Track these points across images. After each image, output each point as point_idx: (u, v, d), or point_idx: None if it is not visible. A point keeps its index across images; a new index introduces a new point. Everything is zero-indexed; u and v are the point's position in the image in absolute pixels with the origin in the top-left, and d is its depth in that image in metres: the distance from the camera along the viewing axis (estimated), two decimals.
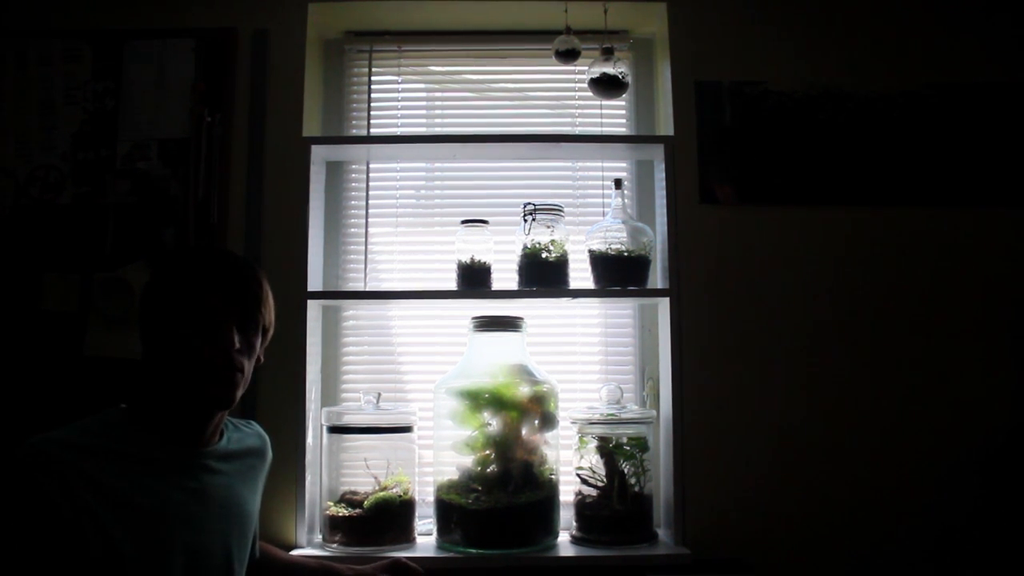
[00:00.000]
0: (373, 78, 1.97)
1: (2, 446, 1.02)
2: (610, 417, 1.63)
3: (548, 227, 1.68)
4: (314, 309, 1.69)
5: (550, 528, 1.58)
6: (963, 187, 1.75)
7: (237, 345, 1.10)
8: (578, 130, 1.95)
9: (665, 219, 1.71)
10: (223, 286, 1.11)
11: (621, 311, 1.89)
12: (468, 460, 1.59)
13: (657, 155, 1.77)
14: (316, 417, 1.69)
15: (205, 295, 1.09)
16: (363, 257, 1.90)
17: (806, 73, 1.77)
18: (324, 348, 1.80)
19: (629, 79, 1.78)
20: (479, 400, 1.58)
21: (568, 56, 1.74)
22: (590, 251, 1.72)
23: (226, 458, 1.19)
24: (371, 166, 1.93)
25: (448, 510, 1.57)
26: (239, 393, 1.11)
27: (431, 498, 1.63)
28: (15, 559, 0.93)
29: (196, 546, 1.08)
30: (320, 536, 1.64)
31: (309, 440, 1.64)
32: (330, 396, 1.82)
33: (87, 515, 0.96)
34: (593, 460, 1.63)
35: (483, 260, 1.69)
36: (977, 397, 1.69)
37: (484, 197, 1.93)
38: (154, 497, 1.04)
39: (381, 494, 1.59)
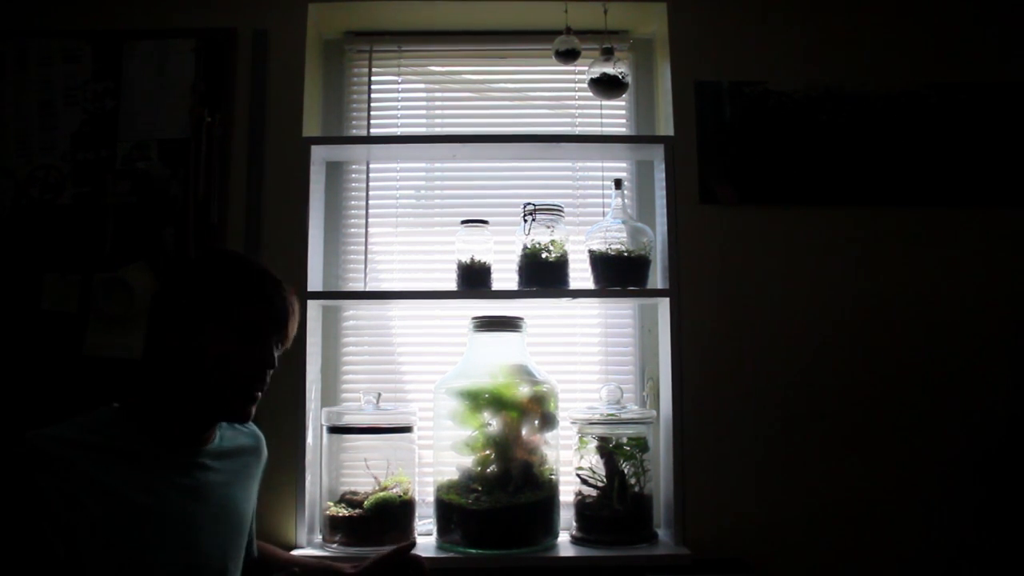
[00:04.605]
0: (373, 78, 1.97)
1: (1, 444, 1.02)
2: (610, 417, 1.63)
3: (548, 227, 1.68)
4: (314, 309, 1.69)
5: (550, 528, 1.58)
6: (963, 187, 1.75)
7: (276, 365, 1.13)
8: (578, 130, 1.95)
9: (665, 219, 1.71)
10: (271, 304, 1.13)
11: (621, 311, 1.89)
12: (468, 460, 1.59)
13: (657, 155, 1.77)
14: (316, 417, 1.68)
15: (253, 311, 1.11)
16: (363, 257, 1.90)
17: (806, 73, 1.77)
18: (324, 348, 1.80)
19: (629, 79, 1.78)
20: (479, 400, 1.58)
21: (568, 56, 1.74)
22: (590, 251, 1.72)
23: (220, 456, 1.19)
24: (371, 166, 1.93)
25: (448, 510, 1.57)
26: (255, 407, 1.15)
27: (431, 498, 1.63)
28: (4, 553, 0.93)
29: (191, 544, 1.08)
30: (320, 536, 1.64)
31: (309, 440, 1.64)
32: (330, 396, 1.82)
33: (80, 511, 0.97)
34: (593, 460, 1.63)
35: (483, 260, 1.69)
36: (977, 397, 1.69)
37: (484, 197, 1.93)
38: (149, 494, 1.04)
39: (381, 494, 1.59)
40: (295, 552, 1.55)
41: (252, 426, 1.34)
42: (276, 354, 1.16)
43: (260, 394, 1.14)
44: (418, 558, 1.39)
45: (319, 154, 1.75)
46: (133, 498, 1.02)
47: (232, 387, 1.10)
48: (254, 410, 1.14)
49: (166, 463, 1.09)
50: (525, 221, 1.69)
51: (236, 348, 1.09)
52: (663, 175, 1.73)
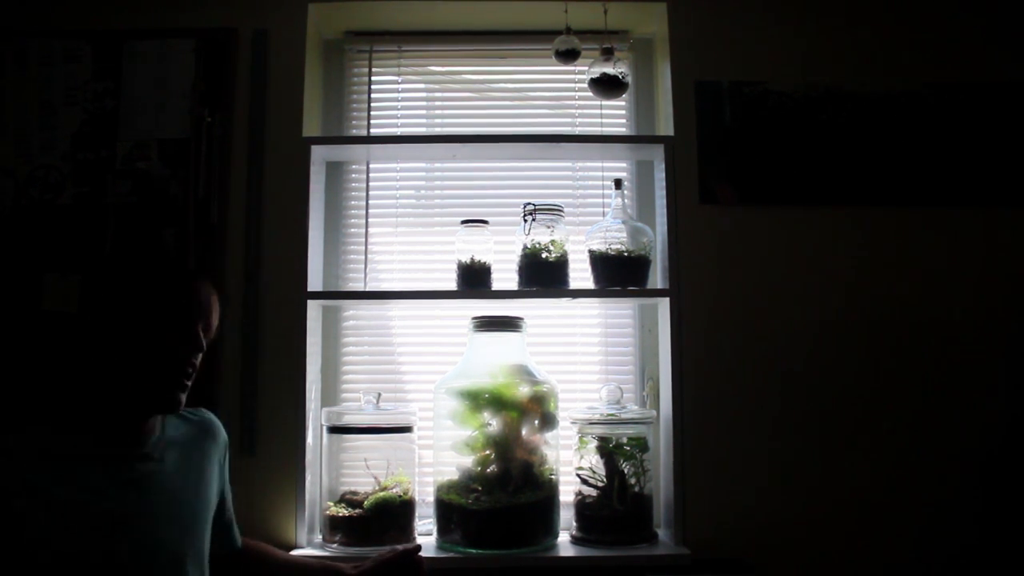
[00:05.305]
0: (373, 78, 1.97)
1: None
2: (610, 417, 1.63)
3: (548, 227, 1.68)
4: (314, 309, 1.69)
5: (550, 528, 1.58)
6: (963, 187, 1.75)
7: (204, 348, 1.15)
8: (578, 130, 1.95)
9: (665, 219, 1.71)
10: (195, 293, 1.16)
11: (621, 311, 1.89)
12: (468, 460, 1.59)
13: (657, 155, 1.77)
14: (316, 417, 1.68)
15: (178, 301, 1.14)
16: (363, 257, 1.90)
17: (806, 73, 1.77)
18: (324, 348, 1.80)
19: (629, 79, 1.78)
20: (479, 400, 1.58)
21: (568, 56, 1.74)
22: (590, 251, 1.72)
23: (166, 447, 1.20)
24: (371, 166, 1.93)
25: (448, 510, 1.57)
26: (186, 394, 1.16)
27: (431, 498, 1.63)
28: None
29: (138, 535, 1.09)
30: (320, 536, 1.64)
31: (309, 440, 1.64)
32: (330, 396, 1.82)
33: (15, 520, 0.99)
34: (593, 460, 1.63)
35: (483, 260, 1.69)
36: (977, 397, 1.69)
37: (484, 197, 1.93)
38: (88, 493, 1.06)
39: (381, 494, 1.59)
40: (295, 552, 1.55)
41: (205, 412, 1.35)
42: (204, 341, 1.16)
43: (188, 382, 1.15)
44: (418, 559, 1.39)
45: (319, 154, 1.75)
46: (60, 495, 1.04)
47: (161, 377, 1.12)
48: (184, 398, 1.15)
49: (106, 460, 1.11)
50: (525, 221, 1.69)
51: (165, 338, 1.11)
52: (663, 175, 1.73)
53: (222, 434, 1.35)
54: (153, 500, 1.13)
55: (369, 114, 1.96)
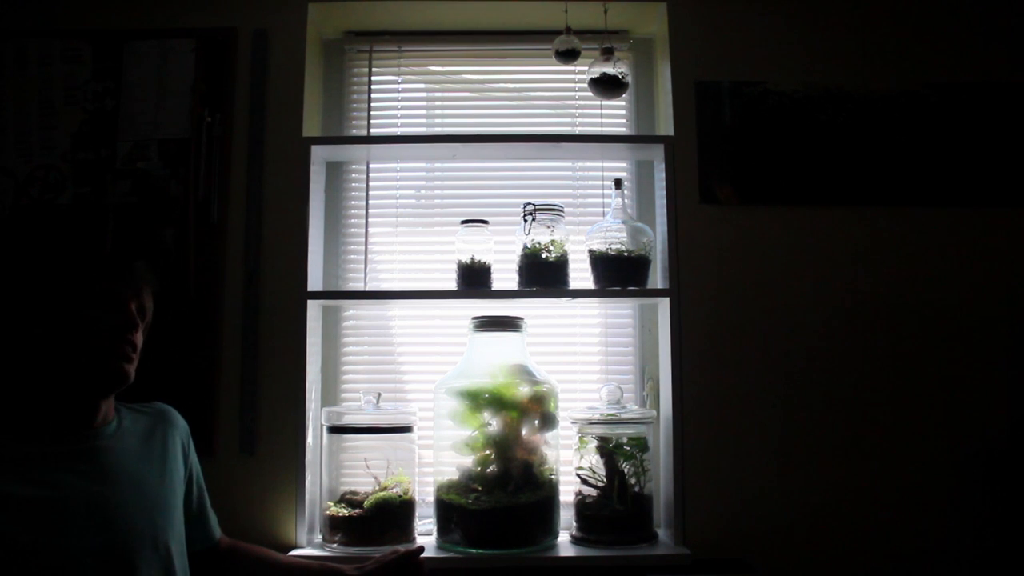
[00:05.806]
0: (373, 78, 1.97)
1: None
2: (610, 417, 1.63)
3: (548, 227, 1.68)
4: (314, 309, 1.69)
5: (550, 528, 1.58)
6: (963, 187, 1.75)
7: (139, 325, 1.16)
8: (578, 130, 1.95)
9: (665, 219, 1.71)
10: (128, 273, 1.18)
11: (621, 311, 1.89)
12: (468, 460, 1.59)
13: (657, 155, 1.77)
14: (316, 417, 1.69)
15: (111, 282, 1.15)
16: (363, 257, 1.90)
17: (806, 73, 1.77)
18: (324, 348, 1.80)
19: (629, 79, 1.78)
20: (479, 400, 1.58)
21: (568, 56, 1.74)
22: (590, 251, 1.72)
23: (125, 438, 1.20)
24: (371, 166, 1.93)
25: (448, 510, 1.57)
26: (133, 369, 1.16)
27: (431, 498, 1.63)
28: None
29: (107, 524, 1.09)
30: (320, 536, 1.64)
31: (309, 440, 1.64)
32: (330, 396, 1.82)
33: None
34: (593, 460, 1.63)
35: (483, 260, 1.69)
36: (978, 396, 1.69)
37: (484, 197, 1.93)
38: (49, 488, 1.06)
39: (381, 494, 1.59)
40: (294, 552, 1.55)
41: (158, 404, 1.34)
42: (138, 319, 1.17)
43: (132, 357, 1.15)
44: (420, 561, 1.39)
45: (319, 154, 1.75)
46: (35, 495, 1.04)
47: (102, 351, 1.12)
48: (132, 370, 1.15)
49: (63, 453, 1.10)
50: (525, 221, 1.69)
51: (100, 314, 1.12)
52: (663, 175, 1.73)
53: (180, 421, 1.34)
54: (117, 488, 1.13)
55: (369, 114, 1.96)
